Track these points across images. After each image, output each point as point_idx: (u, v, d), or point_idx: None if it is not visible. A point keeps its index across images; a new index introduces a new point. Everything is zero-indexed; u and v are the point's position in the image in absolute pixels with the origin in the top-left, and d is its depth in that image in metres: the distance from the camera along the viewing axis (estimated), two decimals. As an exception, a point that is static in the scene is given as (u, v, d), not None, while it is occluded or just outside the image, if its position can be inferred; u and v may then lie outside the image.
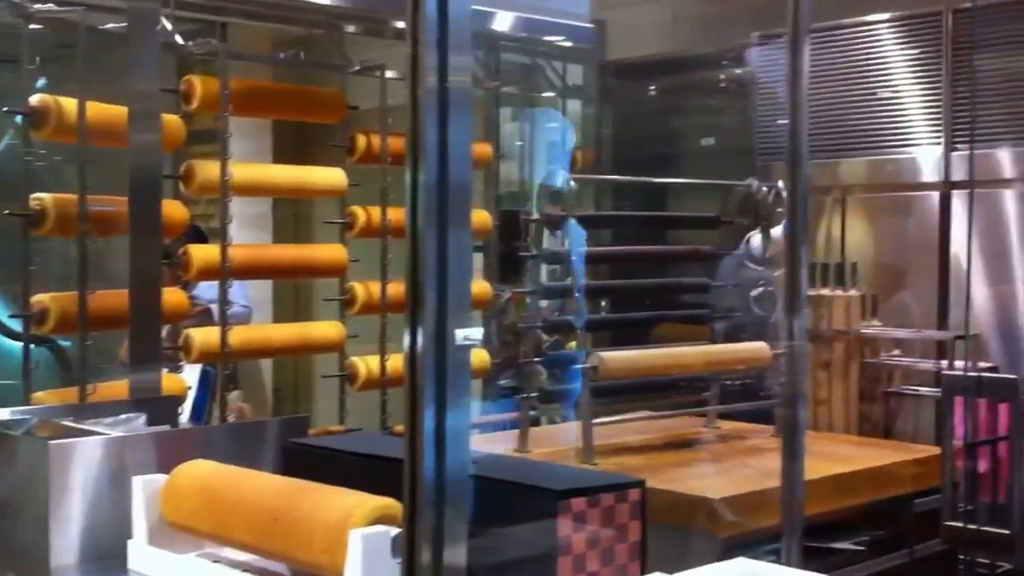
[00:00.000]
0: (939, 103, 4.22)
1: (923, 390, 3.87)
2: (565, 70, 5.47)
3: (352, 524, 1.93)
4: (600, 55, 5.20)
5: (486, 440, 3.57)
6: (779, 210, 3.75)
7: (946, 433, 2.52)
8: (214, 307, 4.23)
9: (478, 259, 5.11)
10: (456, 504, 1.66)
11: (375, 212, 4.34)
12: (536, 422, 3.98)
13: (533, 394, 3.44)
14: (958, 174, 4.23)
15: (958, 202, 4.21)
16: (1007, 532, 3.58)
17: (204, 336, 3.91)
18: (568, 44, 5.19)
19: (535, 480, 2.19)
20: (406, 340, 1.60)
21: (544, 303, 3.79)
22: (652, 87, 5.73)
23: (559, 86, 5.49)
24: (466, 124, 1.62)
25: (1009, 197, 4.12)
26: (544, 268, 3.72)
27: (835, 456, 3.44)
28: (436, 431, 1.60)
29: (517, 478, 2.21)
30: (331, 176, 4.29)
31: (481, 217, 4.58)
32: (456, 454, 1.65)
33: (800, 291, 2.02)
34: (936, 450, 3.67)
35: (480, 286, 4.41)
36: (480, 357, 4.30)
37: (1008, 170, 4.13)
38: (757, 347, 3.68)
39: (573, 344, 3.89)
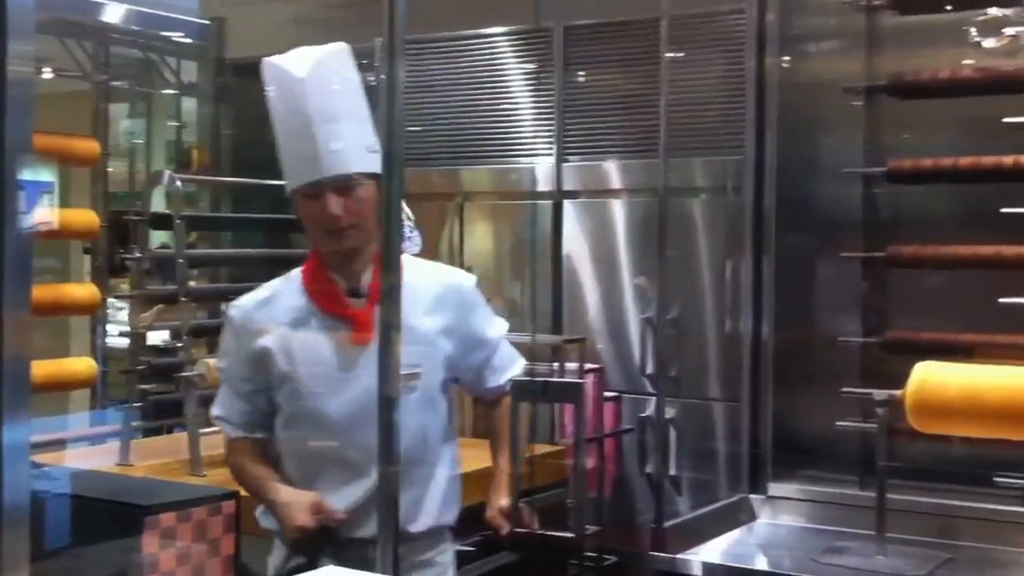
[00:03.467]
0: (552, 116, 4.39)
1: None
2: (180, 67, 5.27)
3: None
4: (218, 53, 5.04)
5: (85, 454, 3.35)
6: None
7: (516, 435, 2.67)
8: None
9: (87, 261, 4.83)
10: (15, 526, 1.51)
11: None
12: (157, 432, 3.80)
13: (137, 404, 3.26)
14: (570, 184, 4.41)
15: (570, 210, 4.39)
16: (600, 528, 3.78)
17: None
18: (184, 40, 4.99)
19: (121, 495, 2.05)
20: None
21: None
22: (273, 88, 5.60)
23: (175, 83, 5.28)
24: (27, 116, 1.48)
25: (617, 207, 4.33)
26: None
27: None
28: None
29: (103, 494, 2.06)
30: None
31: (87, 217, 4.29)
32: (13, 472, 1.50)
33: (395, 296, 1.98)
34: (547, 448, 3.80)
35: (87, 289, 4.14)
36: (87, 365, 4.03)
37: (616, 181, 4.35)
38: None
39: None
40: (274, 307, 2.52)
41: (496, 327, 2.71)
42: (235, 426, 2.52)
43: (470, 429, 3.91)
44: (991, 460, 3.13)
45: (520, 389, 2.58)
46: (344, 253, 2.50)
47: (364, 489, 2.41)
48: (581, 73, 4.36)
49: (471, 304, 2.65)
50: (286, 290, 2.55)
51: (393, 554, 1.90)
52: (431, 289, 2.55)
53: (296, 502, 2.37)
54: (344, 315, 2.47)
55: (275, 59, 2.54)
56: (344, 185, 2.43)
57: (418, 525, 2.53)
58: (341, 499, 2.44)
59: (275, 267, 3.19)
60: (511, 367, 2.71)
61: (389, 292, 2.00)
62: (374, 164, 2.33)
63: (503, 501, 2.65)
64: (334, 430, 2.46)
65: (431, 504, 2.57)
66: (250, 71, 2.82)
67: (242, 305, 2.57)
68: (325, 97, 2.45)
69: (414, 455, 2.42)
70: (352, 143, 2.44)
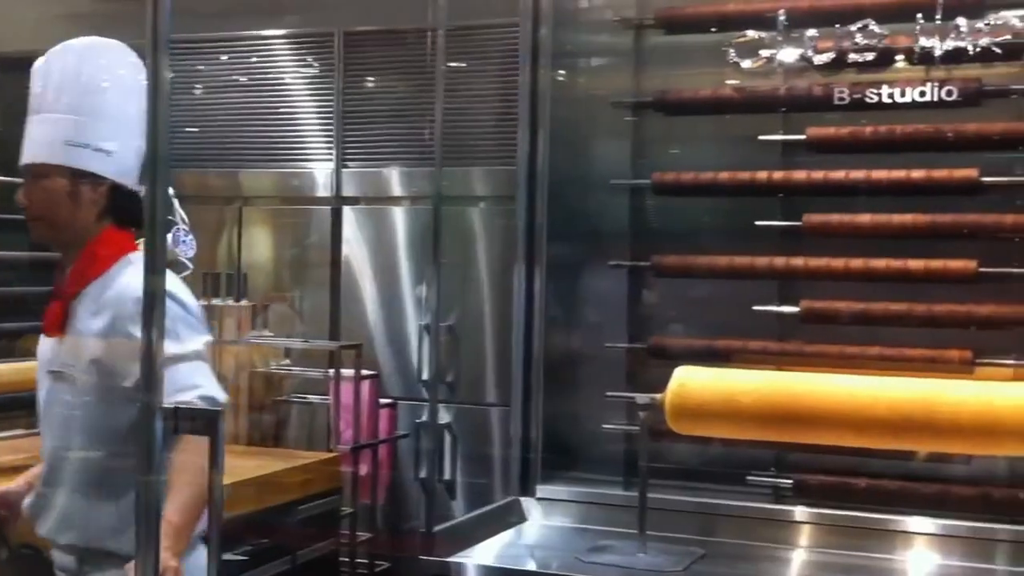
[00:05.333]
0: (331, 121, 4.38)
1: (312, 398, 3.97)
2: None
3: None
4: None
5: None
6: (168, 217, 3.67)
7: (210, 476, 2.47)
8: None
9: None
10: None
11: None
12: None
13: None
14: (350, 190, 4.40)
15: (351, 216, 4.39)
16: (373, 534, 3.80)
17: None
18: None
19: None
20: None
21: None
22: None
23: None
24: None
25: (398, 213, 4.36)
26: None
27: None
28: None
29: None
30: None
31: None
32: None
33: (159, 301, 1.95)
34: (323, 455, 3.79)
35: None
36: None
37: (397, 188, 4.37)
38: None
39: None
40: None
41: (176, 344, 2.25)
42: None
43: (244, 437, 3.87)
44: (745, 460, 3.31)
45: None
46: (57, 247, 2.50)
47: (40, 484, 2.42)
48: (363, 79, 4.37)
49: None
50: None
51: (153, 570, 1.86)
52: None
53: None
54: (45, 309, 2.45)
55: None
56: (37, 174, 2.38)
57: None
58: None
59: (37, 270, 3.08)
60: (180, 394, 2.20)
61: (152, 297, 1.96)
62: (70, 158, 2.32)
63: (164, 559, 2.08)
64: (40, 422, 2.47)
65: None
66: (13, 66, 2.72)
67: None
68: (52, 88, 2.38)
69: (62, 458, 2.38)
70: (55, 134, 2.36)
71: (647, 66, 3.58)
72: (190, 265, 3.35)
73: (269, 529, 3.45)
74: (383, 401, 4.04)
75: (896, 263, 3.18)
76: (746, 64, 3.35)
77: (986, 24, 3.10)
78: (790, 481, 3.28)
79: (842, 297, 3.26)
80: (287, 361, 4.02)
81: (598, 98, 3.63)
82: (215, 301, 3.86)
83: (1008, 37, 3.08)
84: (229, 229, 4.57)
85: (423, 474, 4.01)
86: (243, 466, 3.48)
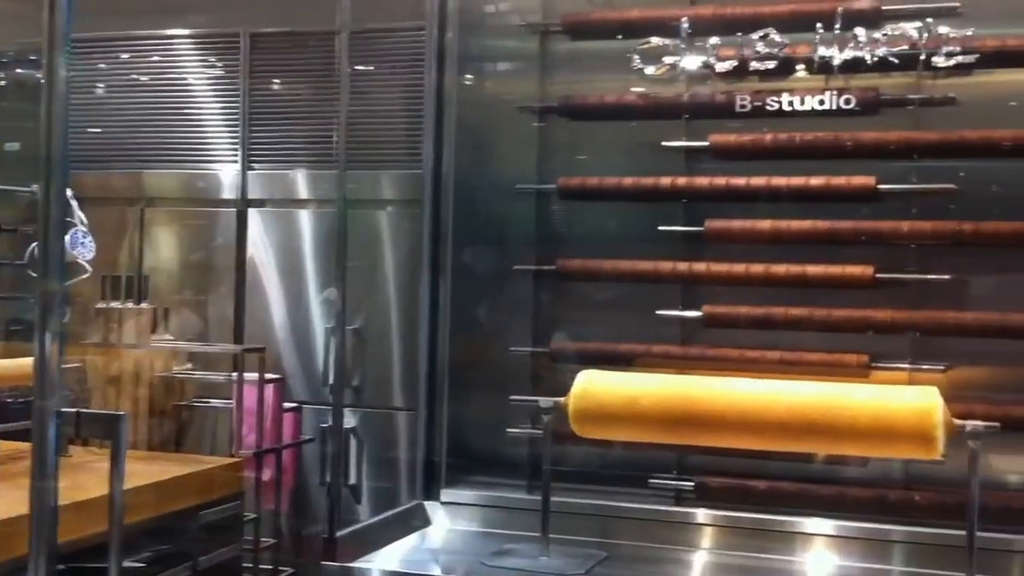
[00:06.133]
0: (237, 122, 4.33)
1: (215, 402, 3.92)
2: None
3: None
4: None
5: None
6: (67, 219, 3.60)
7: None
8: None
9: None
10: None
11: None
12: None
13: None
14: (257, 192, 4.36)
15: (257, 219, 4.34)
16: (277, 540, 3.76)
17: None
18: None
19: None
20: None
21: None
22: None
23: None
24: None
25: (305, 216, 4.32)
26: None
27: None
28: None
29: None
30: None
31: None
32: None
33: (54, 304, 1.92)
34: (225, 460, 3.73)
35: None
36: None
37: (304, 191, 4.33)
38: (21, 363, 3.46)
39: None
40: None
41: None
42: None
43: (144, 442, 3.80)
44: (648, 463, 3.34)
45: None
46: None
47: None
48: (270, 81, 4.33)
49: None
50: None
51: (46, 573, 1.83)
52: None
53: None
54: None
55: None
56: None
57: None
58: None
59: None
60: None
61: (51, 299, 1.93)
62: None
63: None
64: None
65: None
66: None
67: None
68: None
69: None
70: None
71: (553, 71, 3.60)
72: (89, 268, 3.28)
73: (170, 535, 3.39)
74: (287, 405, 3.99)
75: (796, 268, 3.24)
76: (650, 71, 3.38)
77: (883, 34, 3.17)
78: (691, 483, 3.32)
79: (743, 302, 3.31)
80: (190, 365, 3.96)
81: (505, 103, 3.64)
82: (115, 304, 3.79)
83: (905, 47, 3.15)
84: (131, 231, 4.49)
85: (328, 479, 3.98)
86: (144, 471, 3.42)
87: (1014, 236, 3.06)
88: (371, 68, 4.13)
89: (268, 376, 3.81)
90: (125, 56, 4.47)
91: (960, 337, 3.13)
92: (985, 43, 3.11)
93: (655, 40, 3.37)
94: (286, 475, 3.94)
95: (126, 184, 4.54)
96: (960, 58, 3.11)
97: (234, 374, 3.80)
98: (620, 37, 3.48)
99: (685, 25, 3.32)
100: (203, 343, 4.09)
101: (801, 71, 3.28)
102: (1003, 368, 3.19)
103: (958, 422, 2.65)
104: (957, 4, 3.15)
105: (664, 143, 3.40)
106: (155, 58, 4.46)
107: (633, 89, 3.46)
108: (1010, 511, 3.03)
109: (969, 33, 3.11)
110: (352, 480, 4.09)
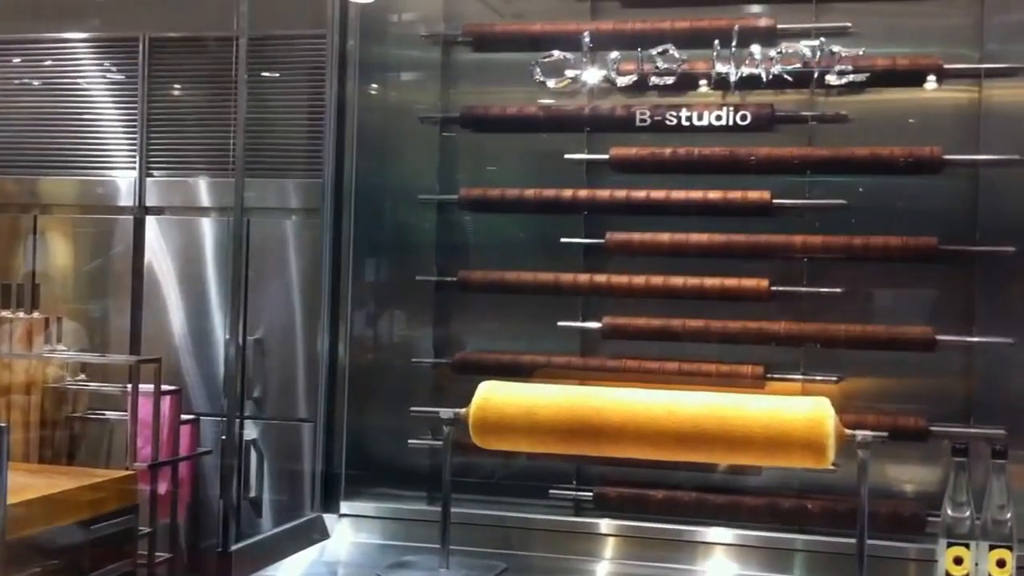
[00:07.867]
0: (135, 128, 4.26)
1: (110, 414, 3.84)
2: None
3: None
4: None
5: None
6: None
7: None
8: None
9: None
10: None
11: None
12: None
13: None
14: (156, 199, 4.29)
15: (155, 227, 4.27)
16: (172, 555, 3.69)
17: None
18: None
19: None
20: None
21: None
22: None
23: None
24: None
25: (206, 224, 4.26)
26: None
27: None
28: None
29: None
30: None
31: None
32: None
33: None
34: (118, 473, 3.67)
35: None
36: None
37: (205, 198, 4.28)
38: None
39: None
40: None
41: None
42: None
43: (35, 455, 3.72)
44: (548, 473, 3.35)
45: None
46: None
47: None
48: (169, 86, 4.27)
49: None
50: None
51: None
52: None
53: None
54: None
55: None
56: None
57: None
58: None
59: None
60: None
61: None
62: None
63: None
64: None
65: None
66: None
67: None
68: None
69: None
70: None
71: (456, 82, 3.60)
72: (-23, 275, 3.21)
73: (59, 550, 3.32)
74: (185, 417, 3.93)
75: (694, 281, 3.28)
76: (551, 83, 3.40)
77: (778, 52, 3.22)
78: (590, 493, 3.34)
79: (643, 313, 3.33)
80: (83, 376, 3.88)
81: (408, 112, 3.63)
82: (5, 313, 3.70)
83: (798, 65, 3.21)
84: (24, 238, 4.39)
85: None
86: (31, 484, 3.34)
87: (903, 250, 3.14)
88: (275, 75, 4.10)
89: (164, 387, 3.75)
90: (18, 60, 4.37)
91: (851, 349, 3.19)
92: (876, 62, 3.19)
93: (557, 53, 3.38)
94: (183, 488, 3.88)
95: (19, 190, 4.45)
96: (852, 76, 3.18)
97: (129, 385, 3.74)
98: (524, 50, 3.49)
99: (586, 39, 3.35)
100: (97, 354, 4.01)
101: (700, 87, 3.33)
102: (893, 379, 3.26)
103: (848, 432, 2.70)
104: (849, 24, 3.23)
105: (566, 156, 3.42)
106: (50, 62, 4.38)
107: (536, 101, 3.47)
108: (899, 518, 3.09)
109: (861, 52, 3.18)
110: (252, 493, 4.05)
